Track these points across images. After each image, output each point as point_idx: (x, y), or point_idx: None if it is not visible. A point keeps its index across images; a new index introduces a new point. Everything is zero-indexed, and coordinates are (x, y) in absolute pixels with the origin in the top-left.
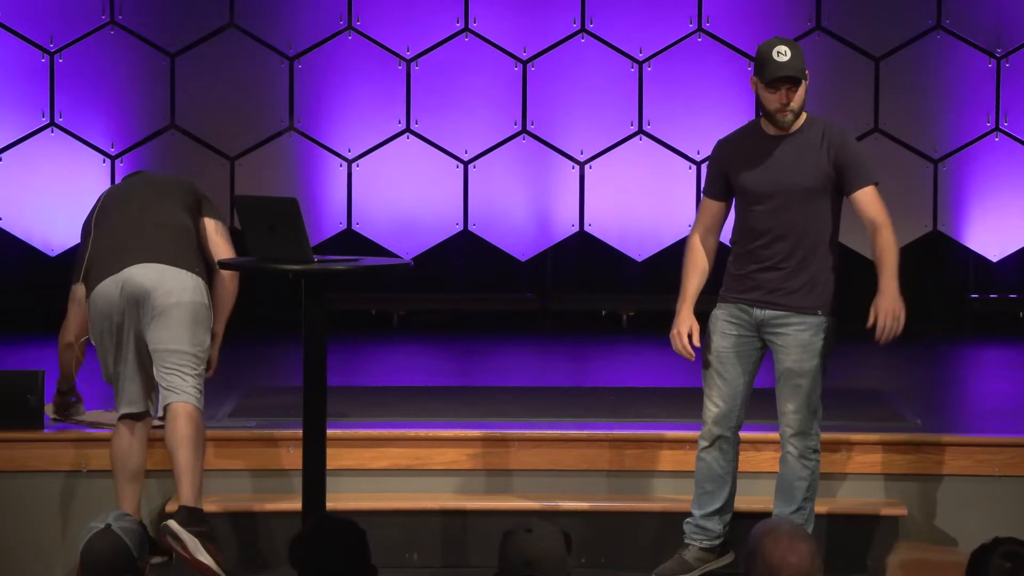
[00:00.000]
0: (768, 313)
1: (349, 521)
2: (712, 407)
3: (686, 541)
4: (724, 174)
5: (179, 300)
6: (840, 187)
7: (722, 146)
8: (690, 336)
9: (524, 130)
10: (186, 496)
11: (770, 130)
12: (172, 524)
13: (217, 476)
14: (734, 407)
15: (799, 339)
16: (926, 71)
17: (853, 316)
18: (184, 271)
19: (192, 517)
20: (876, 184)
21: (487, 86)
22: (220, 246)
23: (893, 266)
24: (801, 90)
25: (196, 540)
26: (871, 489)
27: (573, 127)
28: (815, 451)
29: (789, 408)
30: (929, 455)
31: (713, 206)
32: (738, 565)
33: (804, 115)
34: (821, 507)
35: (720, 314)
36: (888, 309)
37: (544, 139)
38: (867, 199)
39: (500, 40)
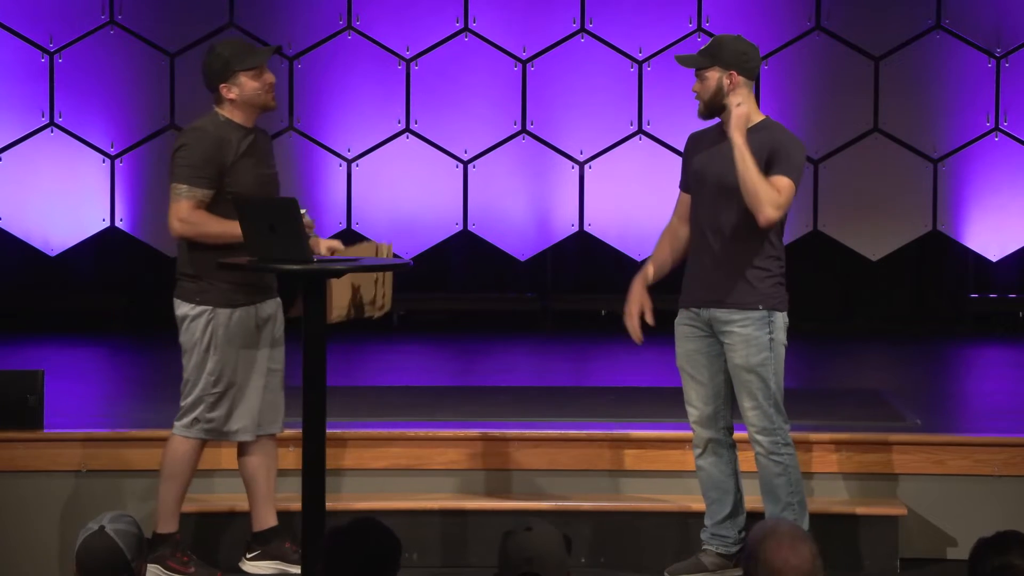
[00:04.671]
0: (713, 312)
1: (388, 534)
2: (693, 411)
3: (704, 547)
4: (686, 166)
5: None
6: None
7: (688, 139)
8: (643, 316)
9: (524, 130)
10: (154, 525)
11: (727, 127)
12: None
13: (217, 476)
14: (717, 407)
15: (742, 335)
16: (926, 71)
17: (855, 316)
18: (176, 300)
19: (151, 545)
20: (794, 183)
21: (487, 86)
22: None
23: (754, 169)
24: (707, 83)
25: (157, 567)
26: (871, 489)
27: (573, 127)
28: (785, 445)
29: (746, 406)
30: (929, 455)
31: (683, 197)
32: None
33: (762, 118)
34: (820, 507)
35: (679, 320)
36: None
37: (544, 139)
38: (775, 183)
39: (500, 40)
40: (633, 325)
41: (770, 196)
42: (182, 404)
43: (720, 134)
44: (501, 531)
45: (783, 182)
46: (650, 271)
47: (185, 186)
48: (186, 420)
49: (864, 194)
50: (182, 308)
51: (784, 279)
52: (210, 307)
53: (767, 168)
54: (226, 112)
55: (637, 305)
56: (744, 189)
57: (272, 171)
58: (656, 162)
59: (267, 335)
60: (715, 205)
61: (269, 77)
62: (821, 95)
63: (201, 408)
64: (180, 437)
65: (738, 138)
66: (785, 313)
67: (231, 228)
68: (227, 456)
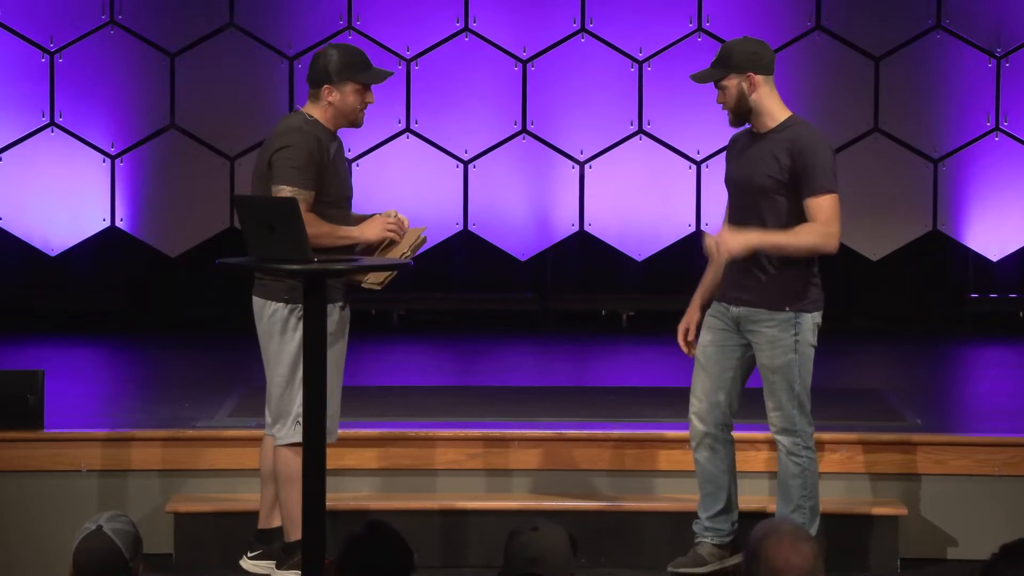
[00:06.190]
0: (742, 311)
1: (401, 544)
2: (695, 401)
3: (697, 540)
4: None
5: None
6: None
7: (729, 141)
8: (688, 333)
9: (524, 130)
10: (286, 535)
11: (758, 128)
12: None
13: (218, 476)
14: (716, 402)
15: (768, 335)
16: (926, 71)
17: (855, 316)
18: (255, 297)
19: (289, 552)
20: (832, 193)
21: (487, 86)
22: None
23: (781, 241)
24: (728, 92)
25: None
26: (871, 489)
27: (573, 127)
28: (806, 447)
29: (769, 406)
30: (929, 455)
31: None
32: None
33: (787, 115)
34: (821, 507)
35: (710, 310)
36: (724, 239)
37: (544, 139)
38: (814, 208)
39: (500, 40)
40: (680, 341)
41: (816, 237)
42: (277, 408)
43: (751, 136)
44: (501, 531)
45: (820, 202)
46: (704, 289)
47: (292, 188)
48: (287, 424)
49: (864, 194)
50: (269, 307)
51: (818, 279)
52: (300, 304)
53: (797, 187)
54: (316, 114)
55: (684, 324)
56: (795, 256)
57: (349, 178)
58: (656, 162)
59: (345, 334)
60: (746, 206)
61: (370, 98)
62: (821, 95)
63: (299, 408)
64: (287, 448)
65: (743, 245)
66: (815, 314)
67: (337, 230)
68: (227, 456)
